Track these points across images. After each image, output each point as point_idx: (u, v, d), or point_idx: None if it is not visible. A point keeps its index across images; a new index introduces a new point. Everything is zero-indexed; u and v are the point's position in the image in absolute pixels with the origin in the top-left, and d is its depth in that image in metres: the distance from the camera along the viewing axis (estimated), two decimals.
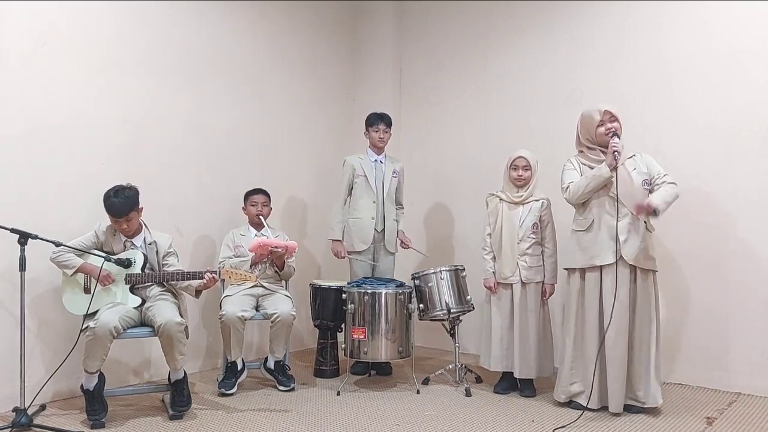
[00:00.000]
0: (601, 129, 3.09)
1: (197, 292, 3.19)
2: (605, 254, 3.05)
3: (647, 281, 3.08)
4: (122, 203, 3.03)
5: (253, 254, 3.59)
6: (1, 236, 2.92)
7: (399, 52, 5.10)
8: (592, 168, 3.12)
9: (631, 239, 3.02)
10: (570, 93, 4.15)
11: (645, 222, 3.06)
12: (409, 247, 4.14)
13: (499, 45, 4.52)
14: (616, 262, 3.01)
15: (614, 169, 2.99)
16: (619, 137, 3.05)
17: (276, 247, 3.53)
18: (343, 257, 4.00)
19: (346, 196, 4.02)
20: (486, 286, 3.51)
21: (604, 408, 3.09)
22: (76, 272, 3.00)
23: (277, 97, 4.55)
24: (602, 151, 3.11)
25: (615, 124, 3.07)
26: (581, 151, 3.24)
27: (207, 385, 3.65)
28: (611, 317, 3.00)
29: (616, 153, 2.97)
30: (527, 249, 3.41)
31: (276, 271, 3.74)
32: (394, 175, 4.05)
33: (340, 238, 3.98)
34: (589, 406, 3.09)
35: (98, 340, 2.80)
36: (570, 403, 3.17)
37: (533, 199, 3.46)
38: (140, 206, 3.16)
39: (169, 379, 3.09)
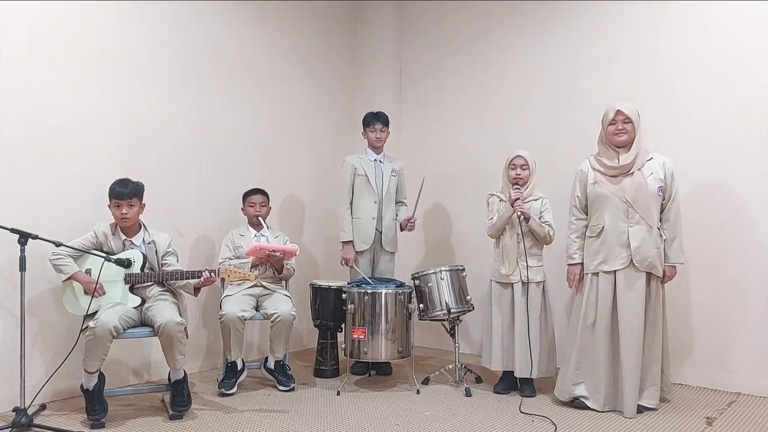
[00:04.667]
0: (611, 128, 3.09)
1: (196, 290, 3.20)
2: (613, 261, 3.05)
3: (658, 286, 3.09)
4: (127, 186, 3.10)
5: (252, 257, 3.59)
6: (1, 236, 2.92)
7: (399, 52, 5.10)
8: (602, 171, 3.12)
9: (644, 246, 3.01)
10: (570, 93, 4.15)
11: (658, 228, 3.05)
12: (414, 221, 4.01)
13: (499, 45, 4.52)
14: (627, 266, 3.03)
15: (522, 217, 3.25)
16: (519, 187, 3.28)
17: (274, 251, 3.52)
18: (351, 266, 3.93)
19: (350, 196, 3.98)
20: (519, 209, 3.32)
21: (616, 411, 3.08)
22: (68, 279, 3.00)
23: (276, 97, 4.55)
24: (615, 151, 3.11)
25: (628, 126, 3.05)
26: (599, 152, 3.22)
27: (207, 385, 3.65)
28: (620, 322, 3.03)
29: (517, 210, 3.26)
30: (528, 249, 3.41)
31: (274, 272, 3.73)
32: (393, 174, 4.04)
33: (353, 239, 3.92)
34: (595, 408, 3.09)
35: (98, 340, 2.80)
36: (573, 402, 3.17)
37: (532, 199, 3.45)
38: (143, 202, 3.18)
39: (169, 379, 3.09)
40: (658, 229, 3.06)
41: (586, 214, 3.21)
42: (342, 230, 3.94)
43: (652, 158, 3.11)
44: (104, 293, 3.02)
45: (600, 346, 3.08)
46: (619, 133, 3.06)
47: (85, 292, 3.03)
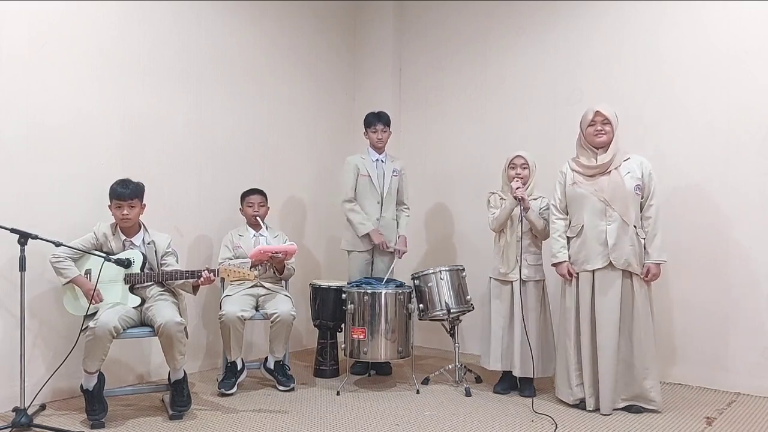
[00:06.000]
0: (590, 129, 3.13)
1: (195, 289, 3.20)
2: (594, 259, 3.07)
3: (641, 285, 3.10)
4: (128, 187, 3.09)
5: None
6: (1, 236, 2.92)
7: (399, 52, 5.10)
8: (580, 172, 3.16)
9: (620, 244, 3.04)
10: (570, 93, 4.15)
11: (635, 226, 3.07)
12: (400, 256, 4.01)
13: (499, 45, 4.52)
14: (606, 266, 3.06)
15: (523, 208, 3.29)
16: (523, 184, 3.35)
17: (276, 253, 3.52)
18: (388, 247, 3.89)
19: (353, 194, 3.95)
20: (518, 197, 3.29)
21: (598, 409, 3.10)
22: (68, 283, 3.00)
23: (276, 97, 4.55)
24: (593, 152, 3.14)
25: (607, 127, 3.10)
26: (577, 155, 3.24)
27: (207, 385, 3.65)
28: (598, 321, 3.06)
29: (518, 198, 3.26)
30: (527, 246, 3.41)
31: (275, 273, 3.73)
32: (395, 174, 4.04)
33: (375, 227, 3.89)
34: (586, 408, 3.11)
35: (98, 340, 2.80)
36: (579, 404, 3.17)
37: (531, 199, 3.46)
38: (144, 203, 3.18)
39: (169, 379, 3.09)
40: (635, 227, 3.07)
41: (566, 214, 3.25)
42: (360, 224, 3.88)
43: (629, 158, 3.16)
44: (102, 300, 3.02)
45: (583, 345, 3.11)
46: (598, 134, 3.12)
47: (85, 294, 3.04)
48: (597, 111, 3.12)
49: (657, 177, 3.17)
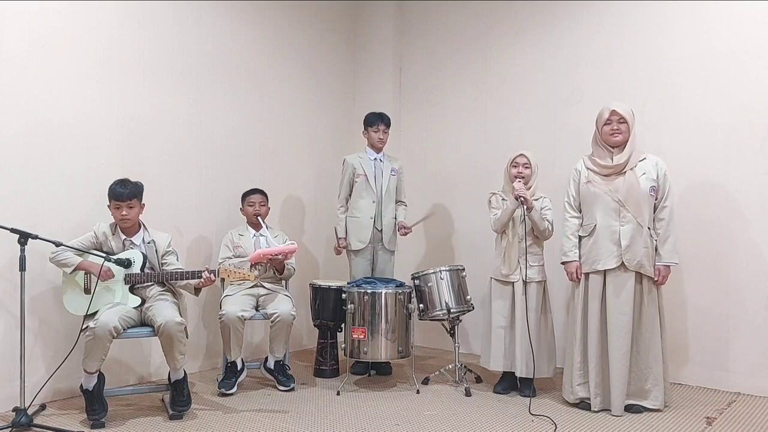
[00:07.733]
0: (606, 128, 3.10)
1: (196, 290, 3.20)
2: (607, 259, 3.05)
3: (651, 286, 3.09)
4: (127, 187, 3.09)
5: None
6: (1, 236, 2.92)
7: (399, 52, 5.10)
8: (595, 171, 3.14)
9: (634, 245, 3.02)
10: (570, 93, 4.15)
11: (649, 228, 3.06)
12: (410, 230, 4.04)
13: (499, 45, 4.52)
14: (619, 267, 3.04)
15: (526, 208, 3.27)
16: (523, 181, 3.31)
17: (276, 255, 3.52)
18: (339, 254, 4.10)
19: (347, 194, 4.03)
20: (520, 197, 3.30)
21: (606, 410, 3.10)
22: (75, 270, 3.00)
23: (277, 96, 4.55)
24: (609, 151, 3.12)
25: (623, 126, 3.07)
26: (593, 152, 3.23)
27: (207, 385, 3.65)
28: (612, 321, 3.03)
29: (520, 198, 3.26)
30: (529, 248, 3.41)
31: (275, 273, 3.73)
32: (393, 173, 4.05)
33: (344, 236, 4.01)
34: (591, 408, 3.10)
35: (98, 340, 2.80)
36: (580, 404, 3.17)
37: (533, 199, 3.45)
38: (143, 202, 3.18)
39: (169, 379, 3.09)
40: (649, 228, 3.06)
41: (580, 212, 3.23)
42: (335, 228, 4.09)
43: (645, 158, 3.13)
44: (113, 277, 3.01)
45: (591, 346, 3.10)
46: (614, 133, 3.09)
47: (85, 291, 3.04)
48: (613, 110, 3.08)
49: None
